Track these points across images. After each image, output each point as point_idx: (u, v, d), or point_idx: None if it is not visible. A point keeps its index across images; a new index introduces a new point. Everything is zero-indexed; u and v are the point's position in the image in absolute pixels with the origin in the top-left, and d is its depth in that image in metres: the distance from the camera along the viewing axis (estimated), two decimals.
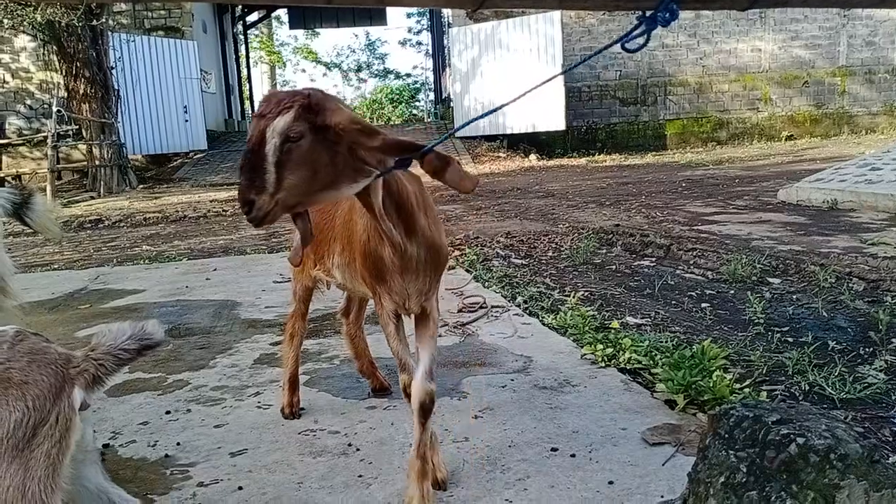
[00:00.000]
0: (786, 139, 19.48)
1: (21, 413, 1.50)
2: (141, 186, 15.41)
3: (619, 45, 1.52)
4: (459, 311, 4.32)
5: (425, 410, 2.11)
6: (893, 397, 2.76)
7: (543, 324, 3.93)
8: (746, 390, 2.78)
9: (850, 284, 4.42)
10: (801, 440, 1.65)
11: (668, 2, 1.49)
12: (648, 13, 1.51)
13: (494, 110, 2.03)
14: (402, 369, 2.18)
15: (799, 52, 19.89)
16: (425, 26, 37.32)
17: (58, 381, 1.55)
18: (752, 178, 11.59)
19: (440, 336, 3.83)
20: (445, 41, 22.47)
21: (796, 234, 6.54)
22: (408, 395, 2.16)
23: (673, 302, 4.39)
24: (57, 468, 1.51)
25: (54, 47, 14.69)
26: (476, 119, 2.09)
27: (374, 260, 2.08)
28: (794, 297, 4.33)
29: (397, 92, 37.59)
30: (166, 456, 2.57)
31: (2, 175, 15.61)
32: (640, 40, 1.50)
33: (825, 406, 2.70)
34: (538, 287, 4.79)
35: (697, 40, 19.51)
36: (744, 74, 19.85)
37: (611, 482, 2.18)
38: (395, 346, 2.19)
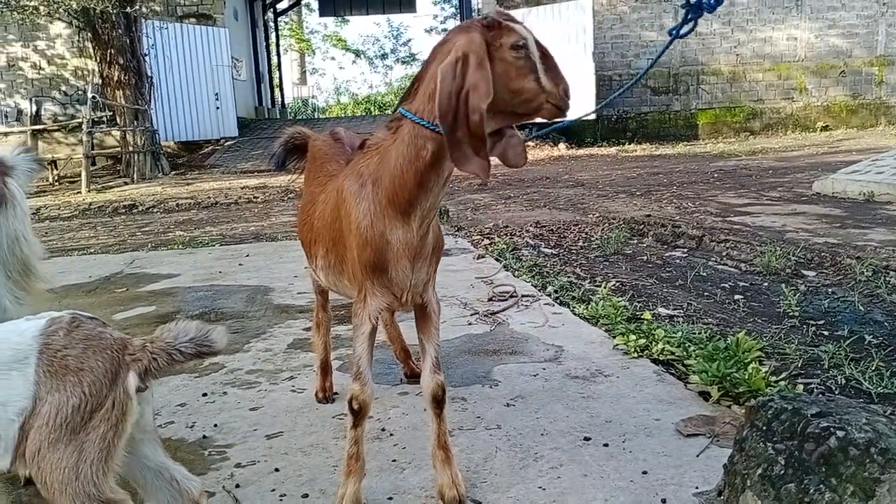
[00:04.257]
0: (821, 130, 19.13)
1: (78, 398, 1.54)
2: (173, 173, 15.61)
3: (669, 33, 1.51)
4: (490, 299, 4.33)
5: (438, 402, 2.11)
6: None
7: (574, 313, 3.92)
8: (782, 383, 2.76)
9: (888, 278, 4.35)
10: (840, 433, 1.63)
11: None
12: (693, 0, 1.50)
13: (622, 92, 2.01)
14: (357, 377, 2.06)
15: (835, 41, 19.48)
16: (451, 13, 37.17)
17: (113, 367, 1.59)
18: (786, 169, 11.41)
19: (470, 324, 3.86)
20: None
21: (832, 226, 6.44)
22: (352, 410, 2.06)
23: (705, 293, 4.35)
24: (111, 451, 1.55)
25: (89, 34, 14.90)
26: (616, 96, 2.11)
27: (378, 247, 1.99)
28: (830, 290, 4.27)
29: None
30: (204, 437, 2.62)
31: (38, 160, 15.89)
32: (689, 26, 1.49)
33: (862, 401, 2.67)
34: (568, 277, 4.78)
35: (731, 28, 19.18)
36: (779, 63, 19.51)
37: (645, 472, 2.19)
38: (363, 349, 2.06)
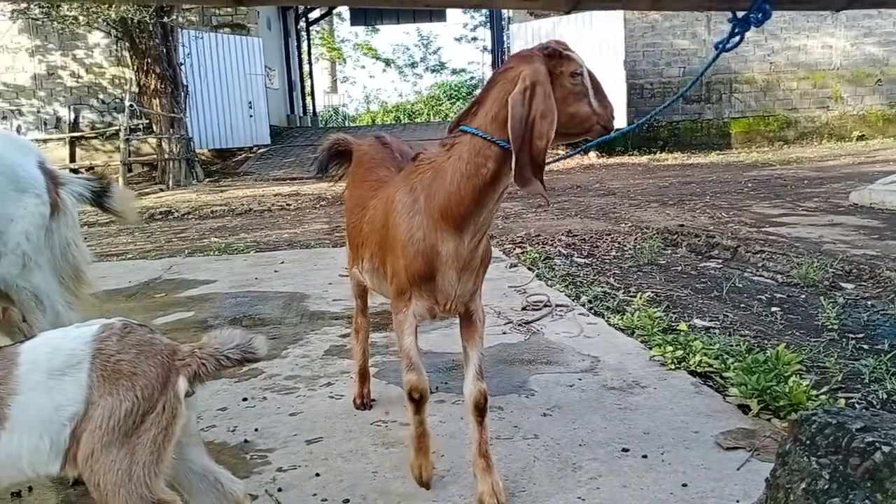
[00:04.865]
0: (857, 139, 18.81)
1: (131, 402, 1.59)
2: (207, 180, 15.84)
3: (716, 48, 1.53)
4: (523, 308, 4.34)
5: (480, 409, 2.16)
6: None
7: (609, 324, 3.92)
8: (823, 397, 2.73)
9: None
10: (886, 448, 1.62)
11: (760, 2, 1.49)
12: (741, 14, 1.51)
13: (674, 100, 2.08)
14: (411, 368, 2.18)
15: (872, 49, 19.16)
16: (481, 22, 37.25)
17: (164, 372, 1.64)
18: (821, 179, 11.26)
19: (504, 333, 3.88)
20: (505, 37, 22.41)
21: (870, 237, 6.35)
22: (412, 399, 2.19)
23: (742, 305, 4.32)
24: (161, 454, 1.60)
25: (127, 44, 15.19)
26: (659, 110, 2.17)
27: (428, 259, 2.07)
28: (869, 302, 4.21)
29: (455, 88, 37.63)
30: (245, 441, 2.67)
31: (75, 166, 16.23)
32: (734, 40, 1.50)
33: None
34: (602, 287, 4.77)
35: (765, 36, 18.97)
36: (813, 72, 19.24)
37: (684, 484, 2.18)
38: (410, 343, 2.18)
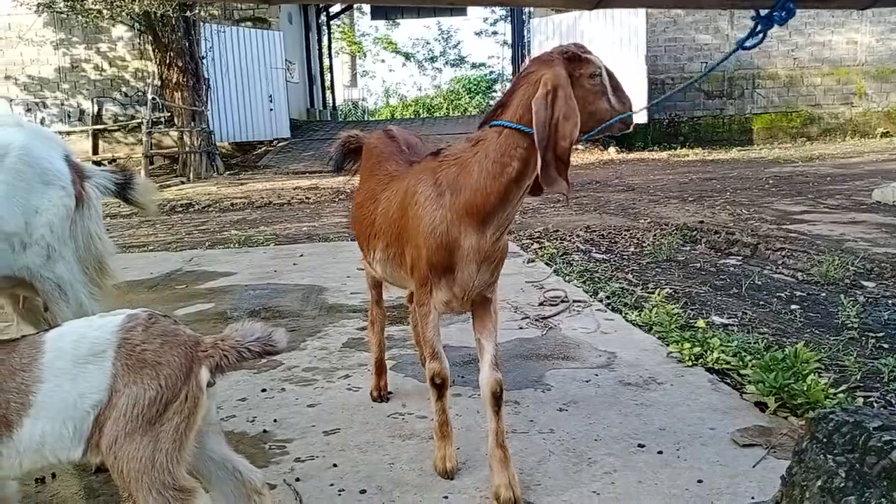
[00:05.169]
0: (881, 136, 18.55)
1: (155, 391, 1.62)
2: (227, 173, 15.95)
3: (738, 46, 1.52)
4: (541, 304, 4.35)
5: (497, 399, 2.20)
6: None
7: (627, 320, 3.92)
8: (841, 396, 2.72)
9: None
10: None
11: (784, 1, 1.48)
12: (764, 13, 1.50)
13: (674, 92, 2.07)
14: (434, 357, 2.26)
15: None
16: (502, 17, 37.08)
17: (187, 362, 1.67)
18: (844, 176, 11.12)
19: (521, 328, 3.89)
20: (525, 32, 22.32)
21: (892, 235, 6.27)
22: (435, 385, 2.27)
23: (761, 302, 4.30)
24: (184, 442, 1.63)
25: (149, 37, 15.34)
26: (665, 97, 2.21)
27: (450, 250, 2.15)
28: (890, 301, 4.18)
29: (474, 82, 37.55)
30: (264, 431, 2.70)
31: (98, 158, 16.42)
32: (756, 38, 1.50)
33: None
34: (620, 283, 4.76)
35: (789, 31, 18.73)
36: (838, 67, 18.99)
37: (700, 481, 2.19)
38: (432, 334, 2.27)
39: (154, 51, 15.45)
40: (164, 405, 1.63)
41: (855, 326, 3.68)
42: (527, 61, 2.24)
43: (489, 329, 2.28)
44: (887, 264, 4.96)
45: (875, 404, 2.74)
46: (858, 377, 3.00)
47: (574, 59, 2.04)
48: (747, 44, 1.49)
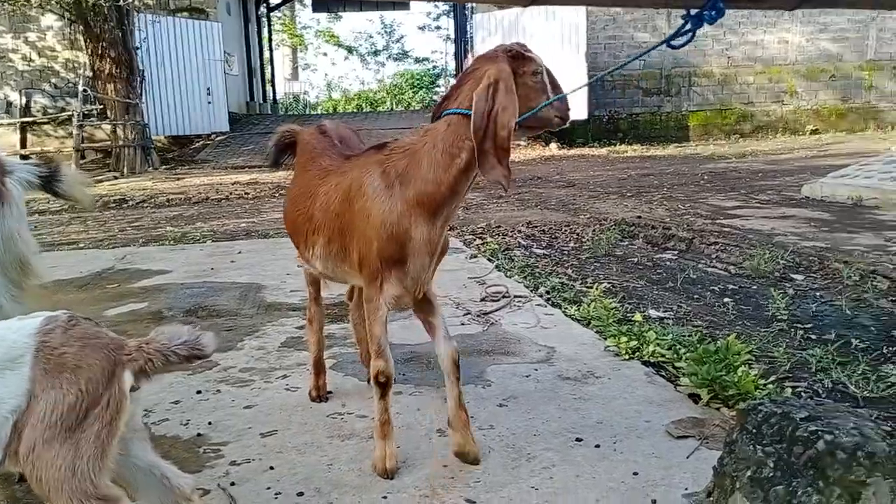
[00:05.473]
0: (810, 133, 19.24)
1: (74, 396, 1.55)
2: (163, 167, 15.53)
3: (663, 43, 1.54)
4: (482, 299, 4.36)
5: (456, 365, 2.33)
6: None
7: (566, 315, 3.96)
8: (770, 386, 2.80)
9: (874, 282, 4.41)
10: (828, 437, 1.67)
11: (714, 0, 1.50)
12: (694, 12, 1.52)
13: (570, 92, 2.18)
14: (380, 355, 2.28)
15: (826, 45, 19.59)
16: (445, 11, 37.09)
17: (109, 366, 1.60)
18: (775, 172, 11.50)
19: (463, 324, 3.89)
20: (468, 27, 22.35)
21: (820, 230, 6.51)
22: (379, 383, 2.29)
23: (695, 296, 4.40)
24: (106, 448, 1.57)
25: (80, 27, 14.78)
26: (572, 91, 2.28)
27: (401, 242, 2.19)
28: (818, 294, 4.32)
29: (418, 77, 37.48)
30: (198, 435, 2.63)
31: (26, 153, 15.79)
32: (686, 37, 1.52)
33: (849, 404, 2.71)
34: (560, 278, 4.81)
35: (724, 31, 19.25)
36: (770, 66, 19.61)
37: (635, 473, 2.22)
38: (380, 331, 2.29)
39: (85, 41, 14.91)
40: (85, 411, 1.57)
41: (784, 318, 3.80)
42: (471, 58, 2.31)
43: (433, 307, 2.37)
44: (815, 258, 5.14)
45: (803, 394, 2.83)
46: (787, 368, 3.09)
47: (517, 57, 2.13)
48: (677, 42, 1.51)
